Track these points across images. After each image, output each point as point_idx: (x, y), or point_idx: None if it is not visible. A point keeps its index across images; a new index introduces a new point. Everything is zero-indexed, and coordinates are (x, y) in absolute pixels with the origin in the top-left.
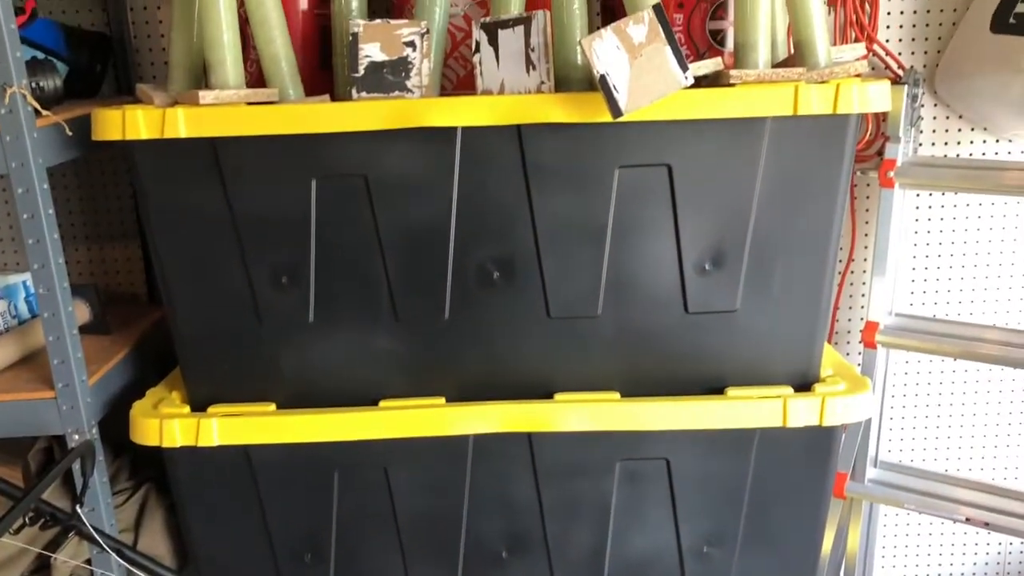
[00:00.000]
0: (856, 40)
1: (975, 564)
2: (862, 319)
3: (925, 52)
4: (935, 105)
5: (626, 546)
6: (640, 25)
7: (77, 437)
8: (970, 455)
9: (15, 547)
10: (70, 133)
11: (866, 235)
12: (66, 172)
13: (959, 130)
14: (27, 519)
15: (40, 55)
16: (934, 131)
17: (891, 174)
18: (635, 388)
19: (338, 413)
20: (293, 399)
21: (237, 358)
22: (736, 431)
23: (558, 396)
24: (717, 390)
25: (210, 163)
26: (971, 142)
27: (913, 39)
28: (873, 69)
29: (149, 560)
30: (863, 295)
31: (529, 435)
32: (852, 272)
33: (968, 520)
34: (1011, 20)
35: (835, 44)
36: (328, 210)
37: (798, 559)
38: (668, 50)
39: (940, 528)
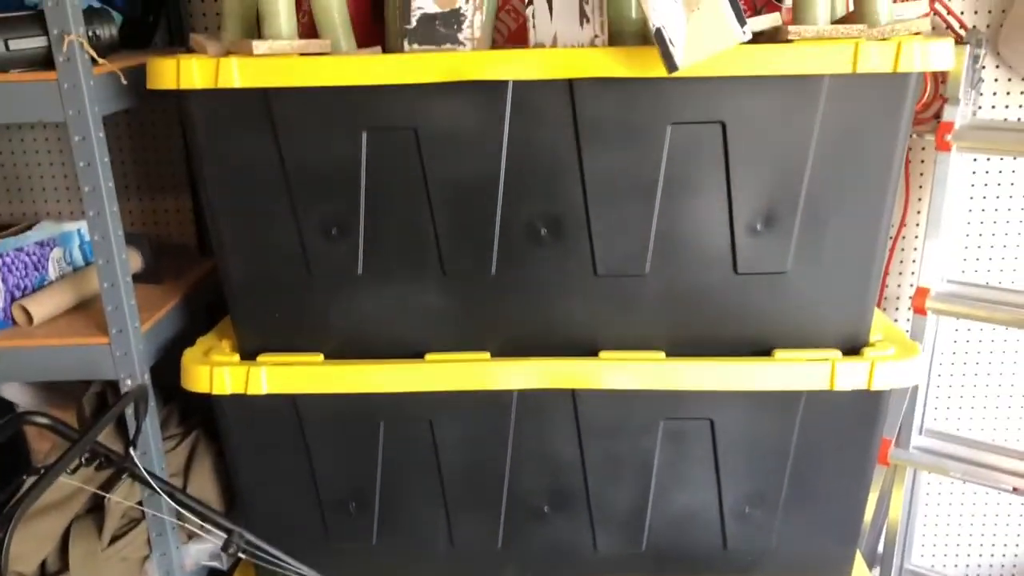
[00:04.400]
0: None
1: (1019, 535)
2: (912, 285)
3: (989, 11)
4: (997, 67)
5: (668, 505)
6: None
7: (130, 382)
8: (1019, 425)
9: (71, 486)
10: (125, 82)
11: (919, 199)
12: (119, 123)
13: (1021, 92)
14: (83, 459)
15: (96, 3)
16: (995, 94)
17: (948, 137)
18: (681, 348)
19: (385, 365)
20: (340, 350)
21: (286, 308)
22: (782, 393)
23: (603, 354)
24: (764, 352)
25: (262, 113)
26: None
27: None
28: (934, 29)
29: (198, 503)
30: (914, 261)
31: (573, 392)
32: (904, 237)
33: (1015, 490)
34: None
35: (896, 2)
36: (378, 162)
37: (840, 524)
38: (726, 4)
39: (985, 498)
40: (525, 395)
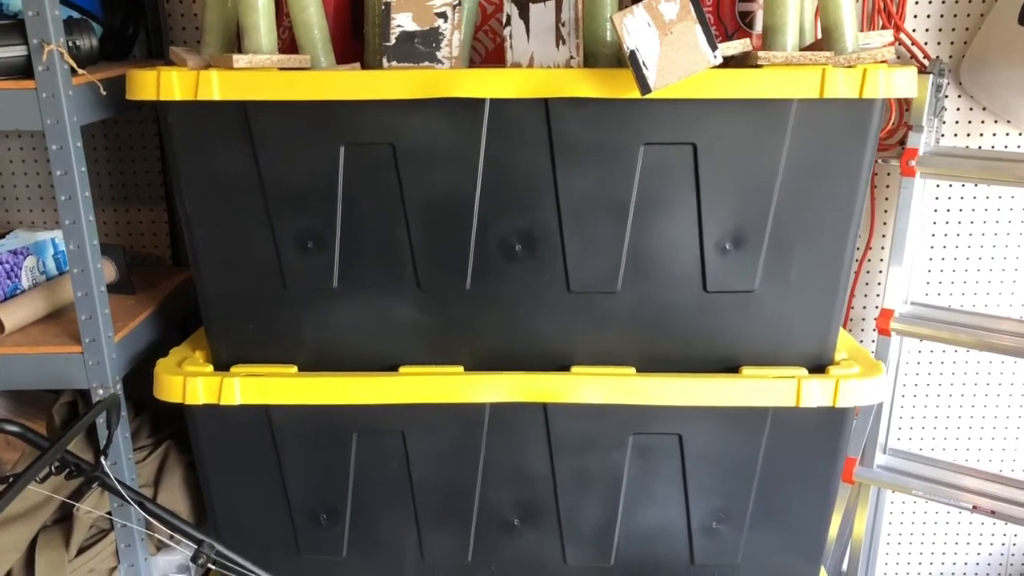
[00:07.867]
0: (883, 28)
1: (979, 554)
2: (877, 307)
3: (951, 43)
4: (959, 96)
5: (636, 519)
6: (671, 3)
7: (102, 392)
8: (979, 445)
9: (40, 495)
10: (104, 92)
11: (884, 224)
12: (94, 133)
13: (982, 122)
14: (53, 468)
15: (76, 15)
16: (957, 122)
17: (912, 163)
18: (651, 364)
19: (358, 377)
20: (314, 362)
21: (261, 320)
22: (749, 409)
23: (574, 369)
24: (732, 369)
25: (241, 126)
26: (994, 134)
27: (940, 29)
28: (899, 58)
29: (169, 513)
30: (879, 283)
31: (544, 405)
32: (869, 260)
33: (975, 508)
34: None
35: (862, 31)
36: (355, 177)
37: (805, 540)
38: (698, 28)
39: (946, 516)
40: (497, 408)
